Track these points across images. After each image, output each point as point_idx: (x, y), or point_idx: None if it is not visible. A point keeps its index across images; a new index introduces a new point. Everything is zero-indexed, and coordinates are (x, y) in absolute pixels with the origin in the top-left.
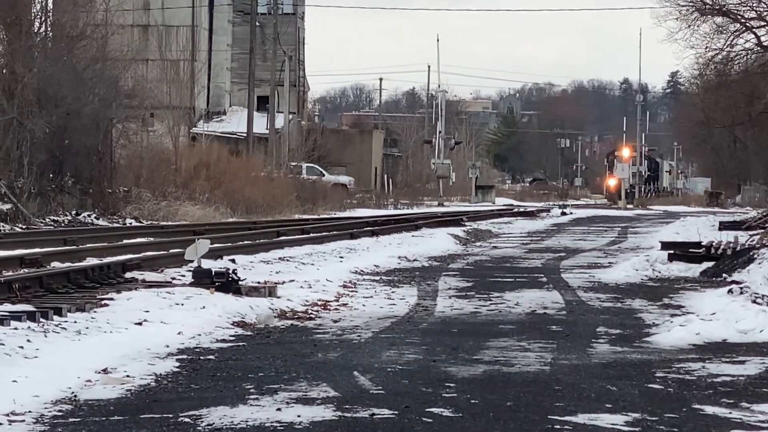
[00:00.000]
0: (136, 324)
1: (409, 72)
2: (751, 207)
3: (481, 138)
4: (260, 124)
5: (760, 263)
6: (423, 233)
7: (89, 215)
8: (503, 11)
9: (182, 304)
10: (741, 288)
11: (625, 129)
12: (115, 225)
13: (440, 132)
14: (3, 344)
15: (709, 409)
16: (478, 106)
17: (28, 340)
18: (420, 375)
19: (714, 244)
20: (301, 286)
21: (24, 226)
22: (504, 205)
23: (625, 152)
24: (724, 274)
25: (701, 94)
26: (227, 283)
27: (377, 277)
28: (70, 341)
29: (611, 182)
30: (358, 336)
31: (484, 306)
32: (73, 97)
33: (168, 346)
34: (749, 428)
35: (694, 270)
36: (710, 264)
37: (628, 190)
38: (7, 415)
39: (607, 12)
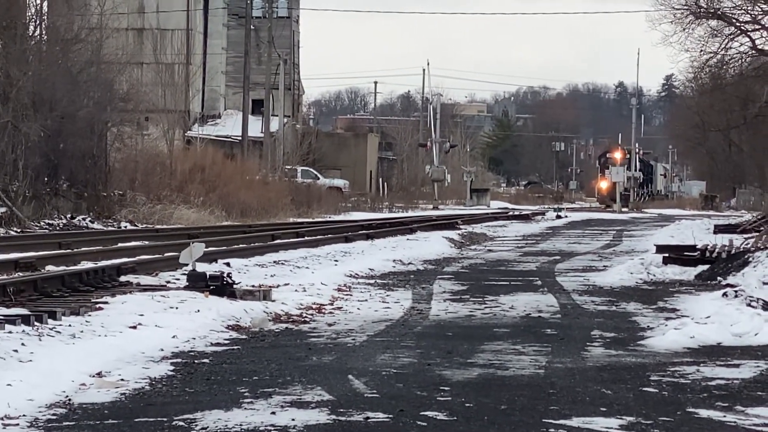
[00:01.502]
0: (130, 327)
1: (404, 75)
2: (746, 210)
3: (476, 141)
4: (255, 128)
5: (755, 266)
6: (418, 236)
7: (84, 219)
8: (498, 15)
9: (177, 308)
10: (736, 291)
11: (620, 137)
12: (110, 228)
13: (435, 140)
14: None
15: (704, 413)
16: (473, 110)
17: (23, 344)
18: (415, 378)
19: (709, 247)
20: (296, 290)
21: (19, 230)
22: (499, 208)
23: (617, 154)
24: (719, 278)
25: (696, 97)
26: (222, 287)
27: (372, 281)
28: (65, 345)
29: (603, 185)
30: (353, 339)
31: (479, 309)
32: (68, 100)
33: (162, 350)
34: None
35: (689, 273)
36: (705, 267)
37: (623, 193)
38: (2, 418)
39: (602, 15)
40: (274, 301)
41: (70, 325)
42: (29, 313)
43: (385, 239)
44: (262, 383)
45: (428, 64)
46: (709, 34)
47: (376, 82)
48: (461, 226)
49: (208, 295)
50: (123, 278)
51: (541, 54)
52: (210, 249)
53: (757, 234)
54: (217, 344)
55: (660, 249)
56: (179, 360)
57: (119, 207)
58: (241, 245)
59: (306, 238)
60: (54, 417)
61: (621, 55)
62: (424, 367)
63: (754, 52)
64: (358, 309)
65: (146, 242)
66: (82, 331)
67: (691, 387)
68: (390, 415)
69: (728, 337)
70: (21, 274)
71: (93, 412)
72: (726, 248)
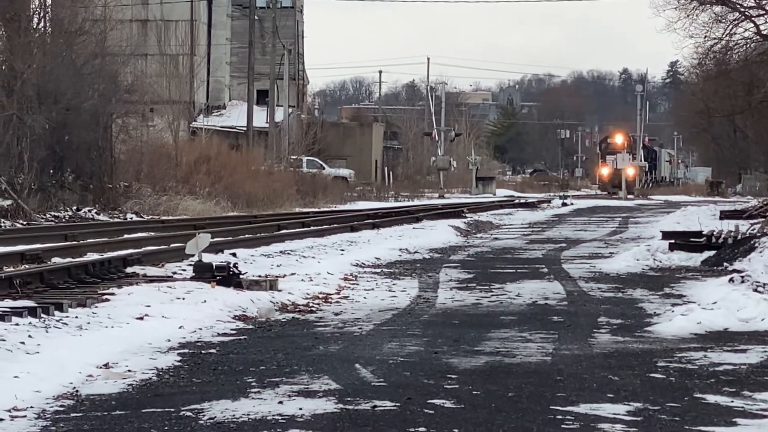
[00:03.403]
0: (137, 318)
1: (408, 64)
2: (751, 196)
3: (481, 129)
4: (260, 118)
5: (761, 252)
6: (424, 225)
7: (90, 210)
8: (503, 2)
9: (183, 299)
10: (742, 277)
11: (626, 126)
12: (116, 220)
13: (440, 129)
14: (4, 340)
15: (711, 398)
16: (477, 98)
17: (30, 336)
18: (421, 367)
19: (715, 233)
20: (302, 279)
21: (25, 222)
22: (505, 196)
23: (618, 139)
24: (725, 263)
25: (701, 83)
26: (228, 277)
27: (378, 270)
28: (72, 336)
29: (604, 171)
30: (360, 328)
31: (486, 297)
32: (73, 92)
33: (169, 341)
34: (751, 417)
35: (695, 259)
36: (711, 253)
37: (629, 180)
38: (9, 410)
39: (605, 2)
40: (280, 290)
41: (76, 317)
42: (36, 305)
43: (391, 228)
44: (269, 373)
45: (429, 60)
46: (714, 19)
47: (380, 72)
48: (467, 215)
49: (214, 286)
50: (129, 269)
51: (546, 41)
52: (216, 239)
53: (764, 219)
54: (224, 334)
55: (666, 235)
56: (186, 350)
57: (125, 198)
58: (247, 235)
59: (312, 227)
60: (61, 408)
61: (625, 42)
62: (431, 355)
63: (758, 37)
64: (365, 298)
65: (152, 233)
66: (88, 323)
67: (699, 373)
68: (397, 404)
69: (735, 322)
70: (27, 266)
71: (100, 403)
72: (732, 234)
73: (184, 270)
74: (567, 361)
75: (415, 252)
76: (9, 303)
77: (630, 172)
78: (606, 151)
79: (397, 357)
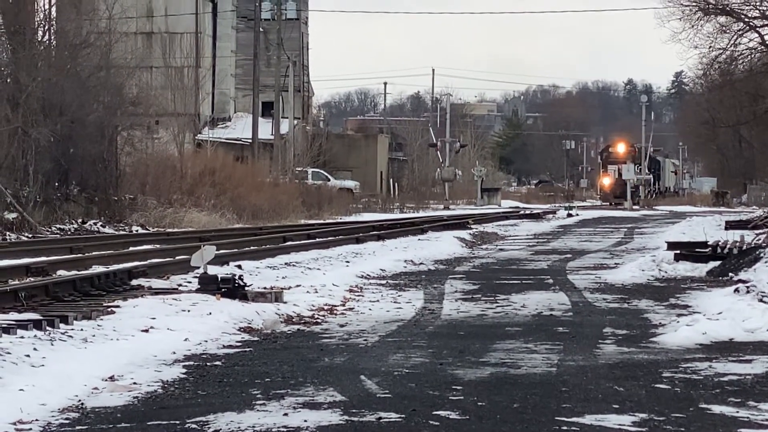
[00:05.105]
0: (142, 331)
1: (413, 76)
2: (757, 206)
3: (486, 141)
4: (265, 130)
5: (766, 262)
6: (429, 237)
7: (95, 223)
8: (507, 14)
9: (188, 311)
10: (747, 287)
11: (630, 130)
12: (121, 232)
13: (445, 140)
14: (9, 353)
15: (716, 409)
16: (483, 109)
17: (35, 349)
18: (427, 378)
19: (720, 243)
20: (308, 291)
21: (30, 235)
22: (510, 207)
23: (620, 148)
24: (730, 274)
25: (706, 93)
26: (233, 289)
27: (383, 281)
28: (77, 349)
29: (606, 181)
30: (365, 340)
31: (491, 308)
32: (78, 105)
33: (175, 353)
34: (757, 427)
35: (701, 270)
36: (716, 263)
37: (634, 190)
38: (14, 423)
39: (610, 12)
40: (285, 302)
41: (82, 330)
42: (41, 317)
43: (396, 240)
44: (275, 385)
45: (434, 71)
46: (718, 30)
47: (385, 83)
48: (472, 226)
49: (219, 298)
50: (134, 282)
51: (551, 52)
52: (221, 251)
53: None
54: (229, 346)
55: (671, 246)
56: (191, 363)
57: (130, 211)
58: (252, 247)
59: (317, 239)
60: (67, 421)
61: (630, 53)
62: (436, 366)
63: (763, 47)
64: (370, 309)
65: (157, 246)
66: (94, 335)
67: (704, 383)
68: (402, 415)
69: (740, 332)
70: (33, 279)
71: (106, 415)
72: (737, 244)
73: (190, 282)
74: (572, 372)
75: (421, 263)
76: (14, 316)
77: (633, 182)
78: (607, 160)
79: (403, 368)
